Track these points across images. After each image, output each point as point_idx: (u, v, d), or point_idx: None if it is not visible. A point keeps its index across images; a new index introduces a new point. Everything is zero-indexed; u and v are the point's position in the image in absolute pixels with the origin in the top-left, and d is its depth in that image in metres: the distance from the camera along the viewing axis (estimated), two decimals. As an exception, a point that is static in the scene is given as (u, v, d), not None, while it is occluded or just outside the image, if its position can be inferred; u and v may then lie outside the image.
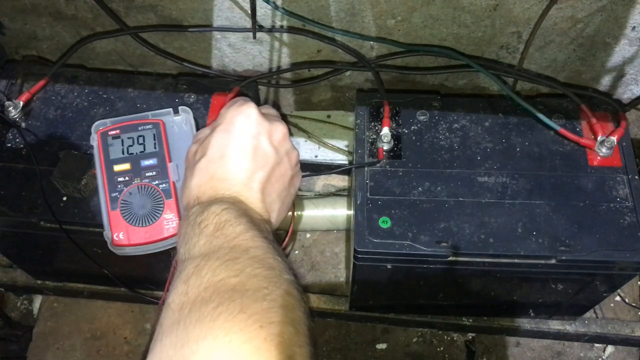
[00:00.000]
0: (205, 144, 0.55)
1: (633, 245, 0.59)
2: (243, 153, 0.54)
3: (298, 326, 0.41)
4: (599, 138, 0.65)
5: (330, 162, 0.81)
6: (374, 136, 0.67)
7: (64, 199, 0.64)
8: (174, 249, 0.50)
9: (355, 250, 0.60)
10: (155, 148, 0.62)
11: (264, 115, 0.57)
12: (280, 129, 0.57)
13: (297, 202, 0.78)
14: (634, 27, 0.65)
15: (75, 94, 0.70)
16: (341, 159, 0.81)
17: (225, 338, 0.37)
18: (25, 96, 0.69)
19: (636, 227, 0.60)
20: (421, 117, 0.68)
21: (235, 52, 0.75)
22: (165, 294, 0.45)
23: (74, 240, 0.64)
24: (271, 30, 0.70)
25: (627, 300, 0.86)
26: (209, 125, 0.66)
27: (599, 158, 0.65)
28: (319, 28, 0.68)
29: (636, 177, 0.64)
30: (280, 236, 0.71)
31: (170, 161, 0.62)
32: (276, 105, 0.85)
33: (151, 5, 0.68)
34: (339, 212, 0.80)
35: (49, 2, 0.70)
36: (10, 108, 0.67)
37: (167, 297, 0.43)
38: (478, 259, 0.60)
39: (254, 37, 0.70)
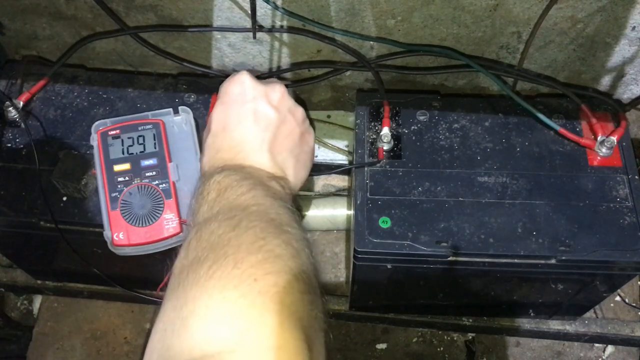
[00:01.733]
0: (208, 122, 0.56)
1: (633, 245, 0.59)
2: (243, 120, 0.54)
3: (297, 274, 0.40)
4: (599, 138, 0.65)
5: (330, 162, 0.81)
6: (374, 136, 0.67)
7: (64, 199, 0.64)
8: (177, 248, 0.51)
9: (355, 250, 0.60)
10: (155, 148, 0.62)
11: (259, 79, 0.57)
12: (277, 88, 0.57)
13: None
14: (634, 27, 0.65)
15: (75, 94, 0.70)
16: (341, 159, 0.81)
17: (219, 295, 0.37)
18: (25, 96, 0.69)
19: (636, 227, 0.60)
20: (421, 117, 0.68)
21: (235, 52, 0.75)
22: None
23: (68, 241, 0.64)
24: (271, 30, 0.70)
25: (627, 300, 0.86)
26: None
27: (599, 158, 0.65)
28: (319, 28, 0.68)
29: (636, 177, 0.64)
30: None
31: (170, 161, 0.62)
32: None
33: (151, 5, 0.68)
34: (339, 212, 0.80)
35: (49, 2, 0.70)
36: (10, 108, 0.67)
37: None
38: (478, 259, 0.60)
39: (254, 37, 0.70)
